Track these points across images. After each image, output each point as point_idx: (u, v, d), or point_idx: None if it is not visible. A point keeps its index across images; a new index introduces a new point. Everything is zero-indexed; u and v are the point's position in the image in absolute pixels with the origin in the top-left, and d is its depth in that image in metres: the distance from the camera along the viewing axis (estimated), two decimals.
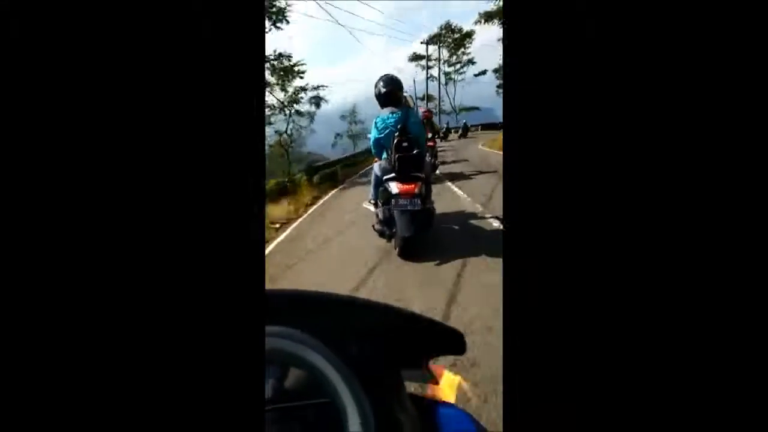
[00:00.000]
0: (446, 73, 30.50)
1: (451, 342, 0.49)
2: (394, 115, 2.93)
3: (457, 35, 29.77)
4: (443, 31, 29.05)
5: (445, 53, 29.87)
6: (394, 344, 0.47)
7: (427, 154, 5.91)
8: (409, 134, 2.86)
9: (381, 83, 3.02)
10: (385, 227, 3.02)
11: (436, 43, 28.94)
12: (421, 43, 28.21)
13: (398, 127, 2.86)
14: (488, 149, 11.97)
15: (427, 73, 28.00)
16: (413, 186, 2.82)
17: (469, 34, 29.61)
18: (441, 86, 29.68)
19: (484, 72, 31.71)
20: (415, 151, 2.84)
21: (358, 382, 0.36)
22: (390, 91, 2.96)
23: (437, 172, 6.41)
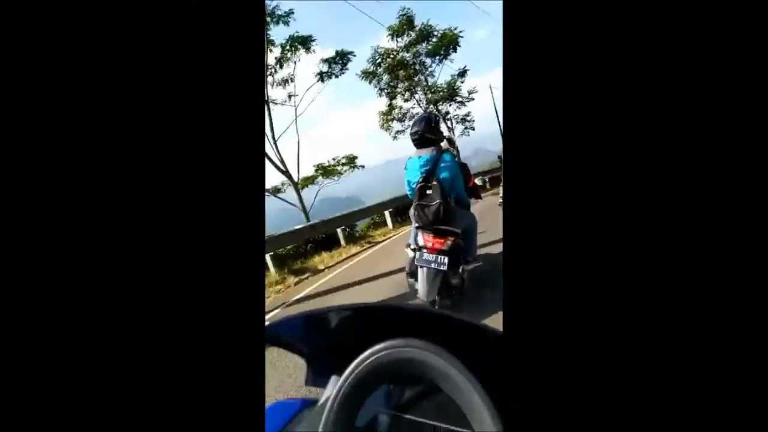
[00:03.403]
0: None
1: (492, 344, 0.47)
2: (421, 158, 2.52)
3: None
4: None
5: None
6: (481, 360, 0.45)
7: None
8: (434, 181, 2.42)
9: (412, 124, 2.62)
10: (412, 279, 2.56)
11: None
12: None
13: (422, 171, 2.47)
14: None
15: None
16: (442, 241, 2.36)
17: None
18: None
19: None
20: (437, 201, 2.37)
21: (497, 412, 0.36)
22: (417, 133, 2.54)
23: None
